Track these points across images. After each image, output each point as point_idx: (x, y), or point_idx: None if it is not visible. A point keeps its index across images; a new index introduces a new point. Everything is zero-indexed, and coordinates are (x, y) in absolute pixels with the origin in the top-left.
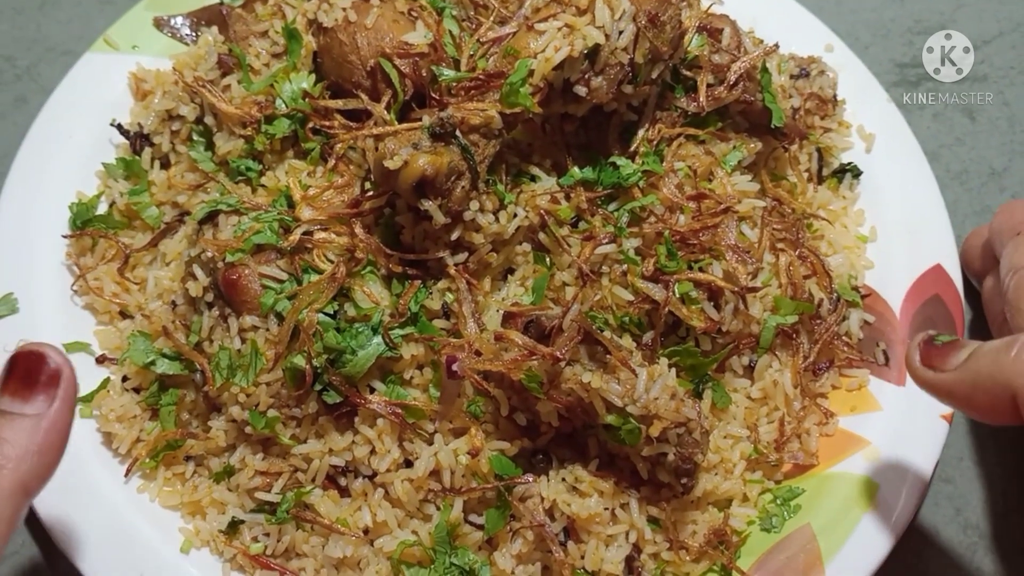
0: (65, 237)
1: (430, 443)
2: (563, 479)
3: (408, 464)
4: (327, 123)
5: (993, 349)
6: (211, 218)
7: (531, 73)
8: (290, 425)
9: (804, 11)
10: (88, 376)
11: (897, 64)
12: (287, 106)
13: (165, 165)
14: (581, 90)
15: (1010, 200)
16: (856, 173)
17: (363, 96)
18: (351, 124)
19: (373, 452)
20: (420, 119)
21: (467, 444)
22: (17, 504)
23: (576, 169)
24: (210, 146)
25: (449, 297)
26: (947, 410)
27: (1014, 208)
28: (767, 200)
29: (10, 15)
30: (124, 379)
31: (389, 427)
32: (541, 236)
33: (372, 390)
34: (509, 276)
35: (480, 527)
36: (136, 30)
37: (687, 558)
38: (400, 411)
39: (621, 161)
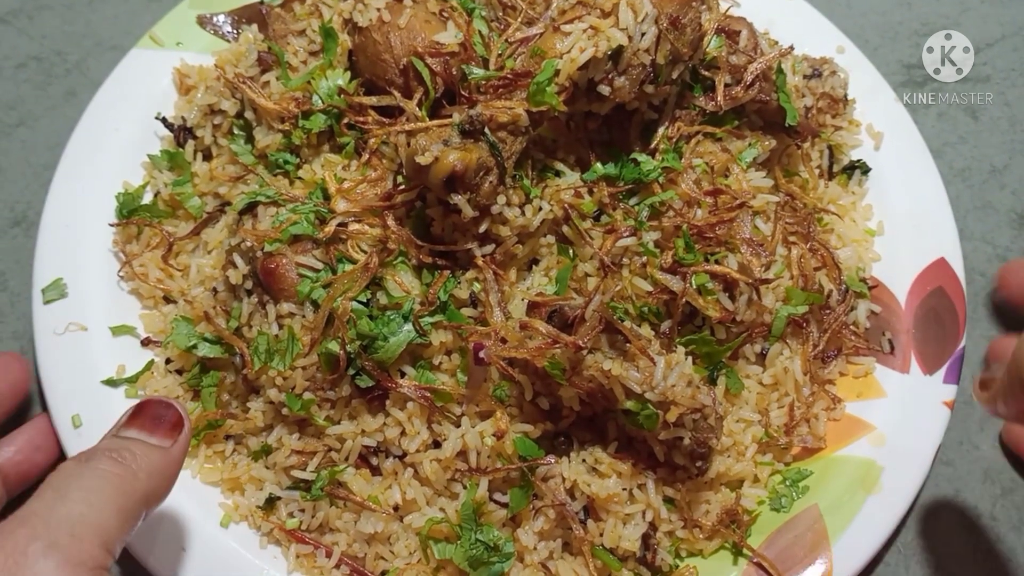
0: (112, 225)
1: (457, 425)
2: (583, 460)
3: (436, 445)
4: (361, 119)
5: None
6: (251, 209)
7: (557, 73)
8: (324, 407)
9: (817, 14)
10: (133, 358)
11: (904, 65)
12: (323, 102)
13: (207, 157)
14: (605, 89)
15: None
16: (865, 170)
17: (396, 93)
18: (384, 120)
19: (403, 433)
20: (450, 116)
21: (493, 426)
22: (140, 510)
23: (599, 165)
24: (250, 140)
25: (476, 287)
26: (949, 397)
27: None
28: (780, 195)
29: (61, 11)
30: (167, 361)
31: (419, 410)
32: (565, 229)
33: (403, 374)
34: (534, 267)
35: (504, 505)
36: (180, 27)
37: (700, 536)
38: (429, 395)
39: (642, 157)
